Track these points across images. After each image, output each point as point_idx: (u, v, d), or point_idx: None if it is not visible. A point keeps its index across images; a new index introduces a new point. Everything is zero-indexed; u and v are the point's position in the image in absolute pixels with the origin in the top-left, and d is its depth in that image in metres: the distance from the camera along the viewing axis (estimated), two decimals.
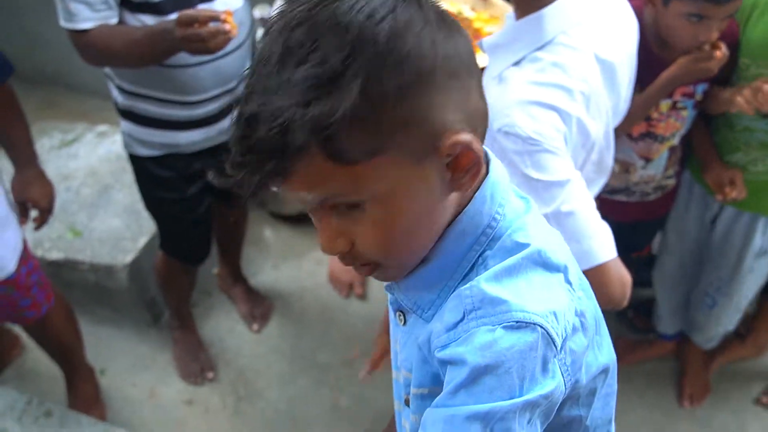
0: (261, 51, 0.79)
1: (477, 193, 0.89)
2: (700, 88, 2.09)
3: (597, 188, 1.86)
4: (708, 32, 1.88)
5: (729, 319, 2.58)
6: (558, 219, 1.45)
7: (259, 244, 3.23)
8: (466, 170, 0.85)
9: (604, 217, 1.63)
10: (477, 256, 0.88)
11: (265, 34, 0.80)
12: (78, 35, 1.96)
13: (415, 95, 0.78)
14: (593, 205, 1.51)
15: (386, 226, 0.82)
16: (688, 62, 1.94)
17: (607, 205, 2.03)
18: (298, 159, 0.75)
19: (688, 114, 2.14)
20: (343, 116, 0.73)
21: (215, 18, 1.80)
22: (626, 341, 2.85)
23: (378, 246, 0.84)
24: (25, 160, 2.17)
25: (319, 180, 0.77)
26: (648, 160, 2.20)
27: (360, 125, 0.75)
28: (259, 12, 2.73)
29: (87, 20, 1.93)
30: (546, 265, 0.86)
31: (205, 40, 1.79)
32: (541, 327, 0.79)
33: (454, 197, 0.87)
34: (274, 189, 0.80)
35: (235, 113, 0.79)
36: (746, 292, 2.49)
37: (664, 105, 2.10)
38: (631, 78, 1.78)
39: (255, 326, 2.93)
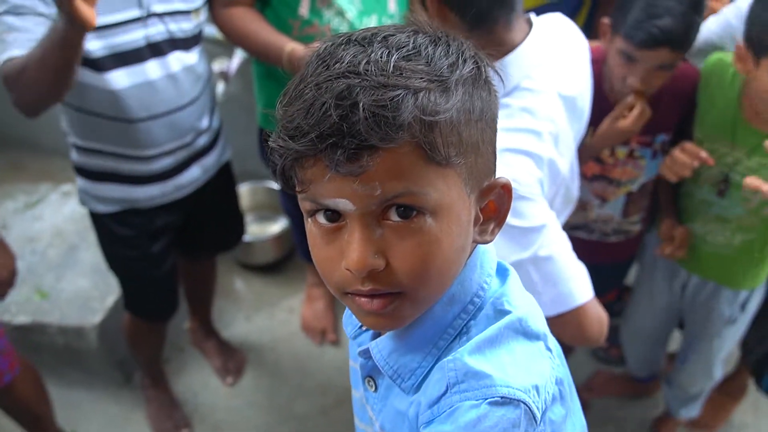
0: (353, 59, 0.80)
1: (469, 260, 0.91)
2: (659, 138, 2.11)
3: (563, 218, 1.90)
4: (635, 76, 1.91)
5: (700, 382, 2.55)
6: (536, 263, 1.49)
7: (230, 295, 3.24)
8: (494, 218, 0.91)
9: None
10: (463, 324, 0.89)
11: (338, 45, 0.83)
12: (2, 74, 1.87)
13: (489, 125, 0.87)
14: (569, 246, 1.55)
15: (432, 246, 0.82)
16: (608, 123, 1.98)
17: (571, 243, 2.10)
18: (395, 140, 0.77)
19: (646, 163, 2.15)
20: (446, 113, 0.79)
21: None
22: (604, 375, 2.87)
23: (416, 267, 0.82)
24: None
25: (401, 171, 0.78)
26: (604, 200, 2.23)
27: (452, 129, 0.80)
28: (218, 66, 2.78)
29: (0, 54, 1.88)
30: (527, 333, 0.88)
31: None
32: (524, 403, 0.81)
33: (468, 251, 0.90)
34: (351, 172, 0.78)
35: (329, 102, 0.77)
36: (716, 357, 2.46)
37: (621, 152, 2.13)
38: (589, 102, 1.83)
39: (229, 379, 2.93)
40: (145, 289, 2.47)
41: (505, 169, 1.45)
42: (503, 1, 1.51)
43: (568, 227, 2.20)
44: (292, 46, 2.10)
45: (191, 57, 2.15)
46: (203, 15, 2.19)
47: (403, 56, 0.80)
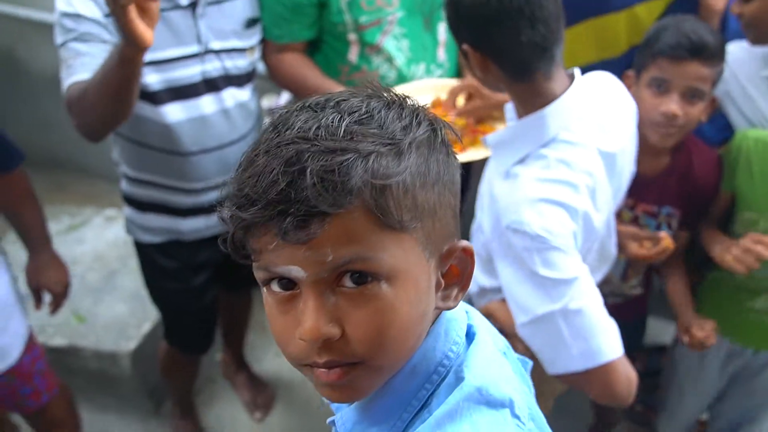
0: (304, 124, 0.79)
1: (432, 328, 0.89)
2: (665, 210, 2.12)
3: (600, 275, 1.91)
4: (668, 103, 1.92)
5: None
6: (566, 316, 1.50)
7: (263, 330, 3.26)
8: (457, 282, 0.89)
9: None
10: (428, 395, 0.86)
11: (299, 110, 0.83)
12: (66, 97, 1.93)
13: (447, 188, 0.85)
14: (601, 301, 1.56)
15: (388, 314, 0.79)
16: (629, 240, 2.01)
17: None
18: (344, 205, 0.75)
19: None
20: (399, 176, 0.78)
21: None
22: None
23: (373, 336, 0.80)
24: (40, 245, 2.24)
25: (352, 236, 0.76)
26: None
27: (406, 193, 0.79)
28: (267, 102, 2.82)
29: (66, 79, 1.93)
30: (489, 402, 0.84)
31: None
32: None
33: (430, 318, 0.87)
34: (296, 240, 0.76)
35: (276, 165, 0.77)
36: None
37: (626, 215, 2.14)
38: (632, 160, 1.85)
39: (257, 414, 2.96)
40: (184, 321, 2.52)
41: (538, 218, 1.50)
42: (543, 52, 1.55)
43: None
44: None
45: (244, 94, 2.20)
46: (257, 53, 2.24)
47: (355, 120, 0.79)
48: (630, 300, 2.34)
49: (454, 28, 1.65)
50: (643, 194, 2.09)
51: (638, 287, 2.32)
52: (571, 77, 1.66)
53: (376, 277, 0.79)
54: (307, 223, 0.75)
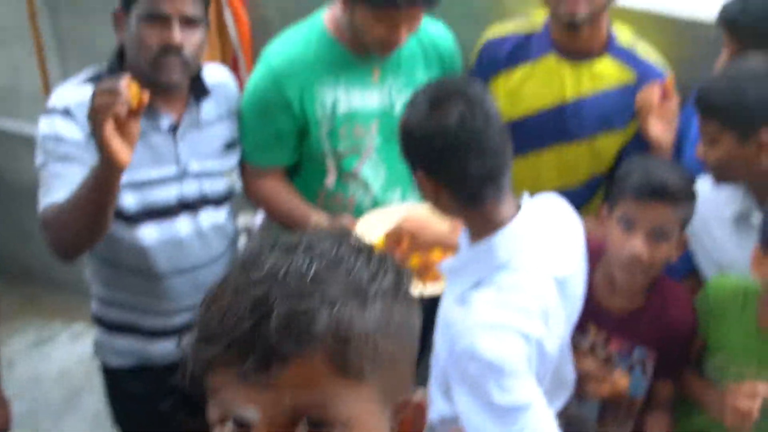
0: (274, 266, 0.79)
1: None
2: (637, 353, 2.09)
3: (560, 402, 1.91)
4: (633, 243, 1.93)
5: None
6: None
7: None
8: None
9: None
10: None
11: (265, 252, 0.83)
12: (41, 217, 1.94)
13: (406, 339, 0.86)
14: (554, 424, 1.58)
15: None
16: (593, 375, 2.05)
17: None
18: (306, 351, 0.75)
19: (633, 377, 2.11)
20: (362, 326, 0.78)
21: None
22: None
23: None
24: None
25: (312, 382, 0.76)
26: (581, 398, 2.15)
27: (367, 343, 0.78)
28: (243, 220, 2.82)
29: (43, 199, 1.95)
30: None
31: (96, 107, 1.65)
32: None
33: None
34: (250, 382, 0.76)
35: (241, 306, 0.77)
36: None
37: (600, 353, 2.11)
38: (583, 283, 1.86)
39: None
40: None
41: (492, 344, 1.52)
42: (491, 182, 1.61)
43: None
44: (317, 219, 2.19)
45: (221, 215, 2.22)
46: (236, 175, 2.27)
47: (324, 265, 0.80)
48: None
49: (407, 157, 1.73)
50: (615, 333, 2.08)
51: None
52: (520, 204, 1.71)
53: (332, 425, 0.78)
54: (269, 365, 0.75)
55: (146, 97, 1.70)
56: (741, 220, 2.08)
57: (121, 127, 1.66)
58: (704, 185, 2.08)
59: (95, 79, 2.02)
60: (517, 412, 1.52)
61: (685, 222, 2.00)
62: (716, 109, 1.94)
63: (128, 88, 1.64)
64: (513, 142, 2.29)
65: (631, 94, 2.28)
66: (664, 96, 2.24)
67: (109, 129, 1.63)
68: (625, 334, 2.06)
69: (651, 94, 2.23)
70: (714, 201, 2.10)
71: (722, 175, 2.02)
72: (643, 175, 1.96)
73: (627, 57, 2.31)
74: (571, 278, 1.76)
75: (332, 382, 0.78)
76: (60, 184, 1.91)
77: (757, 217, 2.02)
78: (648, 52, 2.33)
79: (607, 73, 2.30)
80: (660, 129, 2.23)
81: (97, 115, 1.64)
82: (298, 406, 0.77)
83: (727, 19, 2.11)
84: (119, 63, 2.04)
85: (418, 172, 1.68)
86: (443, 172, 1.63)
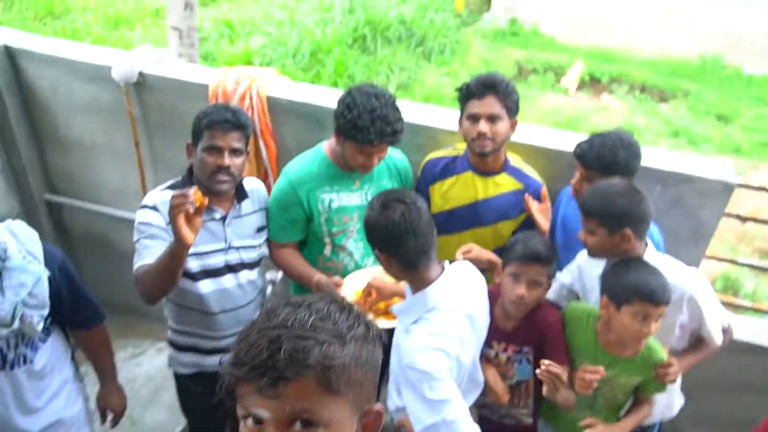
0: (285, 316, 0.83)
1: None
2: (525, 349, 2.09)
3: (473, 398, 1.91)
4: (519, 289, 1.95)
5: None
6: (445, 425, 1.51)
7: None
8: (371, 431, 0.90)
9: None
10: None
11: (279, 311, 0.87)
12: (134, 275, 1.94)
13: (372, 369, 0.89)
14: (468, 413, 1.58)
15: None
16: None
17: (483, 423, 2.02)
18: (302, 375, 0.79)
19: (517, 366, 2.10)
20: (341, 359, 0.82)
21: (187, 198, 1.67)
22: None
23: None
24: (108, 379, 2.17)
25: (305, 396, 0.79)
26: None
27: (344, 370, 0.82)
28: (269, 275, 2.80)
29: (136, 263, 1.96)
30: None
31: (173, 206, 1.67)
32: None
33: None
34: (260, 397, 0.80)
35: (257, 343, 0.82)
36: None
37: (502, 357, 2.10)
38: (487, 317, 1.89)
39: None
40: (205, 428, 2.39)
41: (425, 359, 1.53)
42: (423, 254, 1.66)
43: (478, 405, 2.14)
44: (318, 278, 2.19)
45: (253, 274, 2.22)
46: (264, 247, 2.28)
47: (318, 318, 0.84)
48: (521, 426, 2.22)
49: (369, 240, 1.75)
50: (510, 342, 2.09)
51: (528, 416, 2.20)
52: (443, 267, 1.73)
53: (317, 424, 0.81)
54: (276, 384, 0.79)
55: (206, 201, 1.74)
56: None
57: (189, 220, 1.69)
58: (584, 255, 2.14)
59: (173, 187, 2.06)
60: (442, 404, 1.53)
61: (550, 275, 2.03)
62: (596, 212, 1.94)
63: (194, 195, 1.68)
64: (445, 226, 2.36)
65: (520, 197, 2.32)
66: (543, 200, 2.29)
67: (181, 220, 1.67)
68: (515, 341, 2.07)
69: (531, 200, 2.29)
70: (590, 265, 2.14)
71: (596, 253, 2.02)
72: (524, 246, 2.00)
73: (517, 173, 2.35)
74: (477, 315, 1.78)
75: (319, 396, 0.81)
76: (148, 253, 1.93)
77: None
78: (530, 171, 2.38)
79: (504, 183, 2.33)
80: (541, 219, 2.27)
81: (173, 211, 1.67)
82: (295, 411, 0.80)
83: (578, 153, 2.15)
84: (189, 176, 2.07)
85: (375, 250, 1.71)
86: (391, 250, 1.67)
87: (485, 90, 2.17)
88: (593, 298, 2.11)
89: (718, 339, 2.10)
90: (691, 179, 2.36)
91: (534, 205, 2.30)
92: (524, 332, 2.08)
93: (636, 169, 2.11)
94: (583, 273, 2.21)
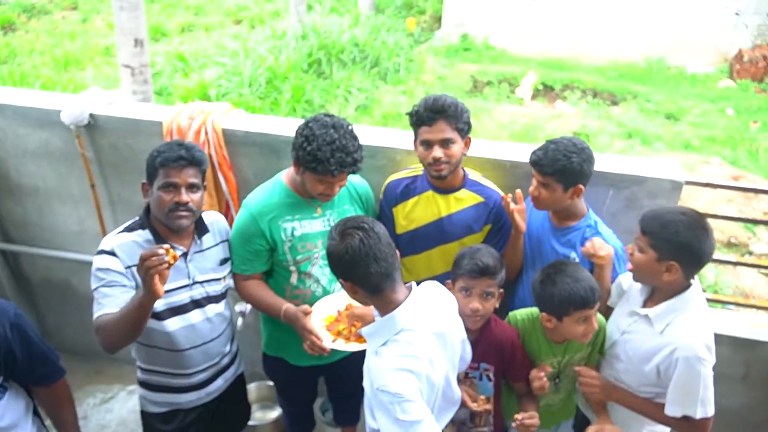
0: None
1: None
2: (483, 366, 2.13)
3: (449, 415, 1.91)
4: (472, 302, 2.01)
5: None
6: None
7: None
8: None
9: None
10: None
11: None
12: (95, 325, 1.91)
13: None
14: None
15: None
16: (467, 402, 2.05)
17: None
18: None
19: (476, 382, 2.14)
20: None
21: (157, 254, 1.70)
22: None
23: None
24: None
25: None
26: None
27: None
28: (238, 307, 2.78)
29: (96, 312, 1.93)
30: None
31: (148, 267, 1.69)
32: None
33: None
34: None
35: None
36: None
37: (460, 374, 2.10)
38: (460, 332, 1.90)
39: None
40: None
41: (396, 381, 1.54)
42: (387, 277, 1.65)
43: (457, 423, 2.15)
44: (286, 307, 2.19)
45: (220, 306, 2.21)
46: (228, 280, 2.26)
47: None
48: None
49: (332, 270, 1.74)
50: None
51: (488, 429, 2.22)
52: (410, 288, 1.73)
53: None
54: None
55: (177, 255, 1.77)
56: None
57: (160, 274, 1.70)
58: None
59: (130, 229, 2.04)
60: (414, 425, 1.53)
61: (500, 284, 2.07)
62: (651, 233, 1.88)
63: (168, 253, 1.70)
64: (412, 246, 2.37)
65: (482, 210, 2.34)
66: (518, 202, 2.26)
67: (156, 279, 1.69)
68: (475, 355, 2.08)
69: (510, 204, 2.25)
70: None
71: (637, 274, 1.98)
72: (471, 259, 2.04)
73: (476, 187, 2.37)
74: (447, 332, 1.77)
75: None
76: (107, 302, 1.91)
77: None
78: (489, 183, 2.41)
79: (465, 198, 2.34)
80: (519, 219, 2.23)
81: (148, 271, 1.69)
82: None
83: (533, 159, 2.18)
84: (147, 215, 2.05)
85: (340, 279, 1.71)
86: (355, 277, 1.66)
87: (435, 116, 2.16)
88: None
89: (671, 408, 1.93)
90: (642, 180, 2.44)
91: (512, 206, 2.24)
92: (481, 349, 2.10)
93: (590, 173, 2.17)
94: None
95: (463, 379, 2.13)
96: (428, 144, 2.22)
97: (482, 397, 2.10)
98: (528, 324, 2.15)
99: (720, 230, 5.49)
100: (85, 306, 3.47)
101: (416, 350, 1.62)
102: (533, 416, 2.01)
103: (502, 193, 2.35)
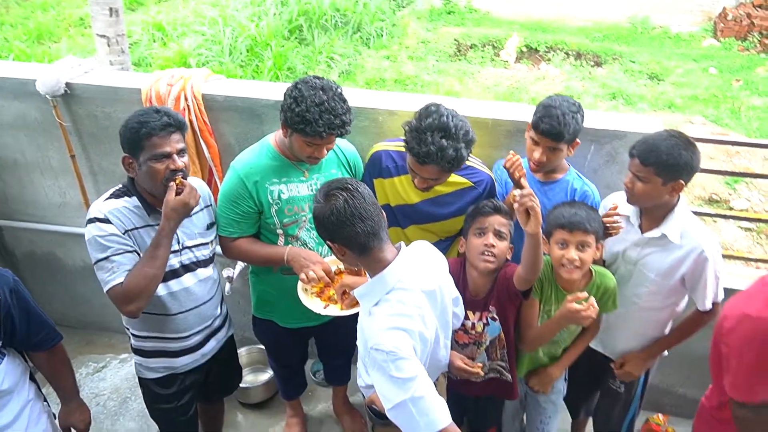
0: None
1: None
2: (491, 308, 2.18)
3: (434, 378, 1.93)
4: (486, 239, 2.08)
5: None
6: (413, 402, 1.53)
7: (234, 426, 3.10)
8: None
9: (457, 392, 1.86)
10: None
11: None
12: (113, 294, 1.93)
13: None
14: (434, 388, 1.60)
15: None
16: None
17: (457, 384, 2.16)
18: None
19: (488, 328, 2.20)
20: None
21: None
22: None
23: None
24: (70, 396, 2.12)
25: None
26: (473, 359, 2.23)
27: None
28: (226, 272, 2.80)
29: (110, 281, 1.93)
30: None
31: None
32: None
33: None
34: None
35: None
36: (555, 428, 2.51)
37: (479, 325, 2.19)
38: (450, 291, 1.91)
39: None
40: (178, 428, 2.38)
41: (389, 340, 1.55)
42: (374, 236, 1.65)
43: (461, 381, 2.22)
44: (290, 248, 2.23)
45: (209, 270, 2.23)
46: (215, 245, 2.27)
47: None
48: (503, 380, 2.31)
49: (319, 233, 1.73)
50: (484, 309, 2.18)
51: (506, 369, 2.28)
52: (399, 248, 1.74)
53: None
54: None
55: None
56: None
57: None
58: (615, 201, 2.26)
59: (116, 195, 2.02)
60: (409, 382, 1.54)
61: (511, 229, 2.11)
62: (654, 162, 1.97)
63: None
64: (391, 221, 2.35)
65: (470, 194, 2.30)
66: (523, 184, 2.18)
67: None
68: (486, 307, 2.16)
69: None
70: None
71: (640, 201, 2.11)
72: (482, 204, 2.13)
73: (466, 171, 2.30)
74: (437, 289, 1.79)
75: None
76: (121, 269, 1.92)
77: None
78: (479, 164, 2.35)
79: (454, 181, 2.28)
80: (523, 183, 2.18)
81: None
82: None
83: (533, 123, 2.20)
84: (132, 184, 2.03)
85: (327, 242, 1.71)
86: (340, 238, 1.67)
87: (425, 161, 2.07)
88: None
89: (706, 303, 2.16)
90: (622, 135, 2.47)
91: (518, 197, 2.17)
92: (492, 295, 2.16)
93: (580, 129, 2.20)
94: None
95: (472, 329, 2.19)
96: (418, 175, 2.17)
97: (479, 363, 2.16)
98: (544, 267, 2.15)
99: (702, 186, 5.57)
100: (72, 278, 3.51)
101: (407, 309, 1.64)
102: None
103: (491, 175, 2.33)
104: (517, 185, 2.16)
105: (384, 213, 1.72)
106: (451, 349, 2.07)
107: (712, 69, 8.65)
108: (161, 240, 1.93)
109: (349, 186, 1.66)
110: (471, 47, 9.19)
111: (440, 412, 1.56)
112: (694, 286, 2.16)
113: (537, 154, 2.22)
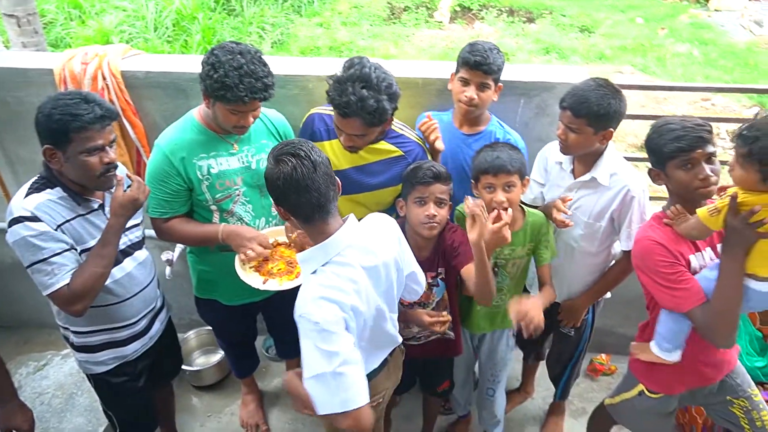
0: None
1: None
2: (439, 270, 2.22)
3: (384, 353, 1.94)
4: (428, 209, 2.09)
5: (502, 399, 2.66)
6: (334, 376, 1.51)
7: (188, 409, 3.07)
8: None
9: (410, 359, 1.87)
10: None
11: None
12: (56, 297, 1.85)
13: None
14: (360, 367, 1.58)
15: None
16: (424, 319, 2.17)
17: (411, 349, 2.18)
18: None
19: (437, 290, 2.25)
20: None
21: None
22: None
23: None
24: (7, 398, 2.04)
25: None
26: None
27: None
28: (165, 255, 2.73)
29: (53, 285, 1.84)
30: None
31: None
32: None
33: None
34: None
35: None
36: (506, 376, 2.60)
37: (425, 286, 2.17)
38: (398, 266, 1.85)
39: None
40: (136, 416, 2.33)
41: (317, 310, 1.53)
42: (319, 208, 1.61)
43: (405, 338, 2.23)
44: (223, 225, 2.19)
45: (144, 252, 2.17)
46: (143, 224, 2.20)
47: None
48: (447, 339, 2.35)
49: (270, 194, 1.67)
50: (428, 269, 2.19)
51: (450, 330, 2.32)
52: (344, 221, 1.70)
53: None
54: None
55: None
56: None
57: None
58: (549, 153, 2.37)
59: (36, 190, 1.89)
60: (333, 355, 1.52)
61: (450, 195, 2.12)
62: (586, 113, 2.03)
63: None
64: None
65: (401, 163, 2.27)
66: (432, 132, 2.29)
67: None
68: (432, 268, 2.18)
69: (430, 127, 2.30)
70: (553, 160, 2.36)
71: (573, 150, 2.17)
72: (421, 169, 2.10)
73: (398, 140, 2.30)
74: (380, 266, 1.74)
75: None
76: (63, 271, 1.84)
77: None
78: (411, 134, 2.33)
79: (383, 149, 2.28)
80: (438, 145, 2.28)
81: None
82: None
83: (462, 60, 2.25)
84: (50, 173, 1.91)
85: (274, 203, 1.68)
86: (286, 204, 1.63)
87: (346, 112, 2.06)
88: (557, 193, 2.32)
89: (630, 243, 2.15)
90: (551, 86, 2.50)
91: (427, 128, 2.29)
92: (438, 256, 2.19)
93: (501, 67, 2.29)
94: (549, 172, 2.38)
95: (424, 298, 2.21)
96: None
97: (444, 313, 2.17)
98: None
99: (634, 134, 5.76)
100: (2, 276, 3.34)
101: (341, 282, 1.61)
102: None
103: (422, 144, 2.32)
104: (432, 147, 2.23)
105: (339, 182, 1.67)
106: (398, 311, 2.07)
107: (639, 19, 8.87)
108: (110, 238, 1.89)
109: (301, 152, 1.59)
110: (405, 10, 9.10)
111: (359, 391, 1.55)
112: (620, 225, 2.23)
113: (469, 92, 2.26)
